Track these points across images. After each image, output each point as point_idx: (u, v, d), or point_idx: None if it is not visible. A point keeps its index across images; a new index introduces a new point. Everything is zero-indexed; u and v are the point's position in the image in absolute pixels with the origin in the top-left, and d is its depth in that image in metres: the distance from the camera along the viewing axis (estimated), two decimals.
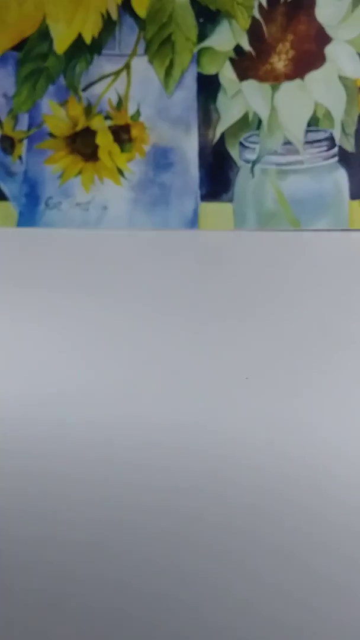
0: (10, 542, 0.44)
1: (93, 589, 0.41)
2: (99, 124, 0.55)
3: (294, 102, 0.54)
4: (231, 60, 0.54)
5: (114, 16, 0.55)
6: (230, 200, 0.55)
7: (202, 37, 0.54)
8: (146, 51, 0.55)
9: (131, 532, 0.42)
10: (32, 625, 0.41)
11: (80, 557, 0.42)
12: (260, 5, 0.54)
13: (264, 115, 0.54)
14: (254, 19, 0.54)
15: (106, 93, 0.55)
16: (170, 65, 0.54)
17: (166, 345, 0.51)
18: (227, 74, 0.54)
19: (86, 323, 0.52)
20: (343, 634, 0.40)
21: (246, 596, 0.40)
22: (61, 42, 0.55)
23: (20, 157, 0.55)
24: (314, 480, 0.43)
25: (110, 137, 0.55)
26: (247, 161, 0.55)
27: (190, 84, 0.55)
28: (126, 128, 0.55)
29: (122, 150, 0.55)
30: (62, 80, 0.55)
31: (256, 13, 0.54)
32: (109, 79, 0.55)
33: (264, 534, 0.41)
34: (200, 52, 0.54)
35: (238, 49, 0.54)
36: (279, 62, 0.54)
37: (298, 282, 0.52)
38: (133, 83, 0.55)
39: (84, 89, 0.55)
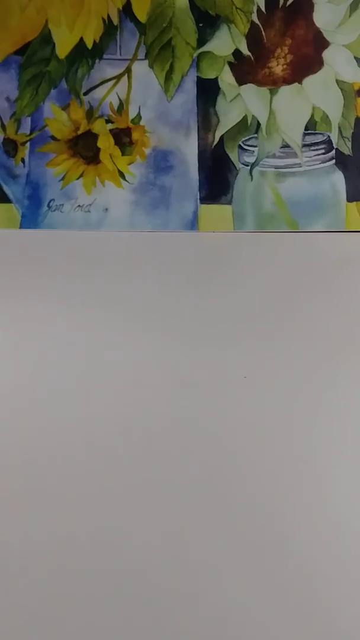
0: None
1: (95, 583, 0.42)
2: (101, 128, 0.56)
3: (292, 106, 0.55)
4: (230, 64, 0.55)
5: (115, 21, 0.55)
6: (230, 202, 0.55)
7: (201, 41, 0.55)
8: (147, 55, 0.55)
9: (132, 530, 0.43)
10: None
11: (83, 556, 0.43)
12: (259, 10, 0.55)
13: (263, 118, 0.55)
14: (252, 23, 0.55)
15: (107, 97, 0.56)
16: (171, 70, 0.55)
17: (166, 344, 0.51)
18: (227, 78, 0.55)
19: (87, 323, 0.53)
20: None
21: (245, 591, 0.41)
22: (63, 47, 0.56)
23: (23, 160, 0.56)
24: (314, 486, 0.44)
25: (111, 140, 0.56)
26: (246, 164, 0.55)
27: (190, 88, 0.55)
28: (127, 131, 0.56)
29: (123, 153, 0.56)
30: (64, 84, 0.56)
31: (255, 18, 0.55)
32: (110, 83, 0.56)
33: (261, 531, 0.42)
34: (199, 57, 0.55)
35: (237, 53, 0.55)
36: (278, 66, 0.55)
37: (296, 283, 0.53)
38: (134, 87, 0.56)
39: (86, 93, 0.56)
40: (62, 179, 0.56)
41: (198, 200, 0.55)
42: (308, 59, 0.55)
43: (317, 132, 0.55)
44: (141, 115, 0.56)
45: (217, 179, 0.55)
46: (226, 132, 0.55)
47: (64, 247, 0.55)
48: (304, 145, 0.55)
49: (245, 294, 0.52)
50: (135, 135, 0.56)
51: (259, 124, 0.55)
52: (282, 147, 0.55)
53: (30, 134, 0.56)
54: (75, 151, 0.56)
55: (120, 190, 0.56)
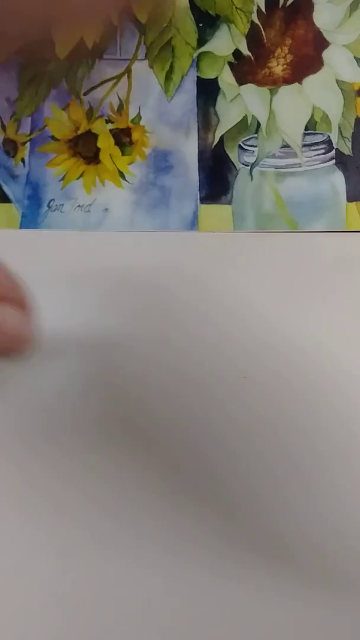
0: None
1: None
2: (101, 128, 0.56)
3: (292, 106, 0.55)
4: (230, 64, 0.55)
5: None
6: (230, 202, 0.55)
7: (201, 41, 0.55)
8: (147, 56, 0.55)
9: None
10: None
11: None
12: (259, 10, 0.55)
13: (263, 118, 0.55)
14: (252, 23, 0.55)
15: (107, 97, 0.56)
16: (171, 70, 0.55)
17: (165, 343, 0.51)
18: (227, 78, 0.55)
19: (87, 323, 0.53)
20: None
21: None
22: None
23: (23, 160, 0.56)
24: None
25: (111, 140, 0.56)
26: (246, 164, 0.55)
27: (190, 88, 0.55)
28: (127, 131, 0.56)
29: (123, 153, 0.56)
30: (64, 84, 0.56)
31: (255, 18, 0.55)
32: (110, 83, 0.56)
33: (261, 533, 0.42)
34: (199, 57, 0.55)
35: (237, 53, 0.55)
36: (278, 66, 0.55)
37: (296, 283, 0.53)
38: (134, 87, 0.56)
39: (86, 93, 0.56)
40: (62, 179, 0.56)
41: (198, 200, 0.55)
42: (308, 59, 0.55)
43: (317, 132, 0.55)
44: (141, 115, 0.56)
45: (217, 179, 0.55)
46: (226, 132, 0.55)
47: (64, 247, 0.55)
48: (304, 145, 0.55)
49: (245, 294, 0.52)
50: (135, 136, 0.56)
51: (259, 124, 0.55)
52: (282, 147, 0.55)
53: (30, 134, 0.56)
54: (75, 151, 0.56)
55: (120, 190, 0.56)
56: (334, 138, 0.55)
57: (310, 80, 0.55)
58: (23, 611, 0.37)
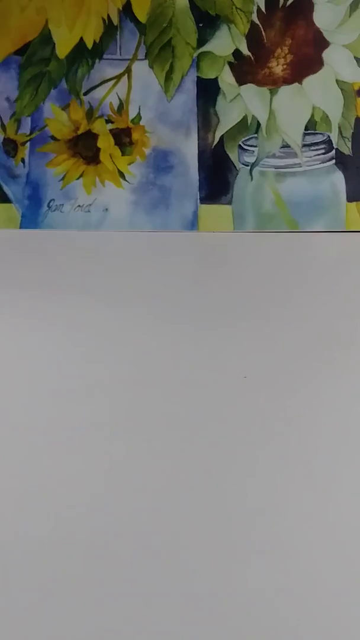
0: None
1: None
2: (101, 128, 0.56)
3: (292, 106, 0.55)
4: (230, 64, 0.55)
5: (115, 21, 0.55)
6: (230, 202, 0.55)
7: (201, 41, 0.55)
8: (147, 56, 0.55)
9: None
10: None
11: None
12: (259, 10, 0.55)
13: (263, 118, 0.55)
14: (253, 24, 0.55)
15: (107, 97, 0.56)
16: (171, 70, 0.55)
17: (166, 344, 0.51)
18: (227, 78, 0.55)
19: (87, 323, 0.53)
20: None
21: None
22: (63, 47, 0.56)
23: (23, 160, 0.56)
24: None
25: (111, 140, 0.56)
26: (246, 164, 0.55)
27: (190, 88, 0.55)
28: (127, 131, 0.56)
29: (123, 153, 0.56)
30: (64, 84, 0.56)
31: (255, 18, 0.55)
32: (110, 83, 0.56)
33: (260, 532, 0.42)
34: (199, 57, 0.55)
35: (237, 53, 0.55)
36: (278, 66, 0.55)
37: (296, 283, 0.53)
38: (134, 87, 0.56)
39: (86, 93, 0.56)
40: (62, 179, 0.56)
41: (198, 200, 0.55)
42: (308, 59, 0.55)
43: (317, 132, 0.55)
44: (141, 115, 0.56)
45: (217, 179, 0.55)
46: (226, 132, 0.55)
47: (64, 247, 0.55)
48: (304, 145, 0.55)
49: (245, 294, 0.52)
50: (135, 135, 0.56)
51: (259, 124, 0.55)
52: (282, 147, 0.55)
53: (30, 134, 0.56)
54: (75, 151, 0.56)
55: (120, 190, 0.56)
56: (334, 138, 0.55)
57: (310, 80, 0.55)
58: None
